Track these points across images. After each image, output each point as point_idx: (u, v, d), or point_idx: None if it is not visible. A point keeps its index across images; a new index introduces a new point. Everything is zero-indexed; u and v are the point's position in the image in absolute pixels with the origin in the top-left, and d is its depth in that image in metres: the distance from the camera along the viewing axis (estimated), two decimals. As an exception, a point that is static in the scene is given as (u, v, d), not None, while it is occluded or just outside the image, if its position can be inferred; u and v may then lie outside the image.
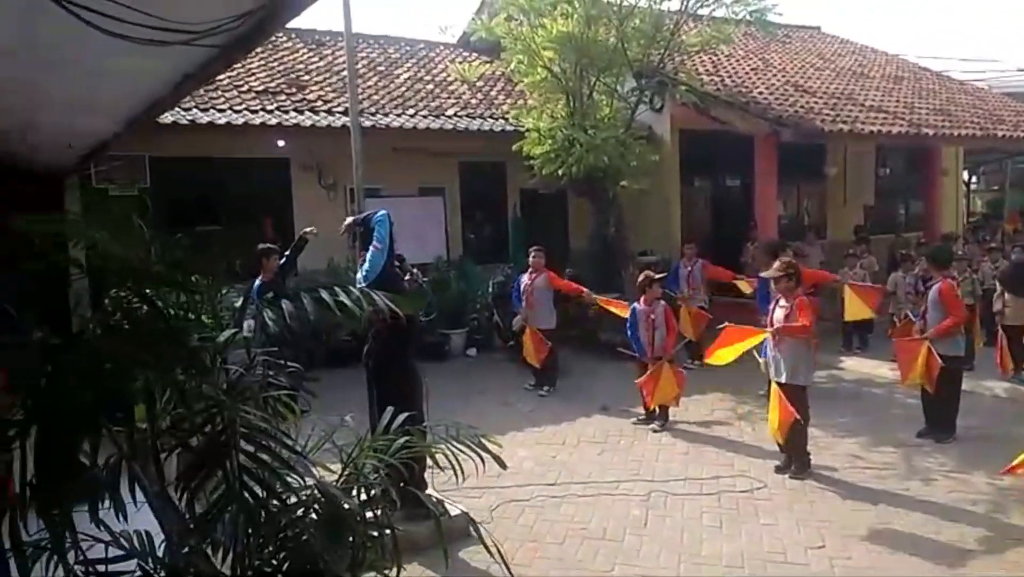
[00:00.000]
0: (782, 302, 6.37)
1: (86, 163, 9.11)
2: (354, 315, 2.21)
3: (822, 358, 9.14)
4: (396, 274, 5.45)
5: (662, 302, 7.91)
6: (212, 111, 10.42)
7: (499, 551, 2.23)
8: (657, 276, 8.12)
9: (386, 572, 2.22)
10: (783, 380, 6.20)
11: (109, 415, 1.75)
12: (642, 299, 7.85)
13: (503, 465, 2.45)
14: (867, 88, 14.57)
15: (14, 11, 2.54)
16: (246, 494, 1.70)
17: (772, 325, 6.35)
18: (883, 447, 6.94)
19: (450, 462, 2.33)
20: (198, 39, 2.27)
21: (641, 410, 7.89)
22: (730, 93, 12.17)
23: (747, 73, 13.80)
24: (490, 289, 11.48)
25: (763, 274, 7.09)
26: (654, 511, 5.68)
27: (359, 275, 5.45)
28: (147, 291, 1.76)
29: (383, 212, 5.25)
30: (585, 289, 9.00)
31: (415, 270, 6.22)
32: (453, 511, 5.19)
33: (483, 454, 2.40)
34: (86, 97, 4.37)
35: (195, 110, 10.20)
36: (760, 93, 12.47)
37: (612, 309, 8.53)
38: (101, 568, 1.96)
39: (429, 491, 4.69)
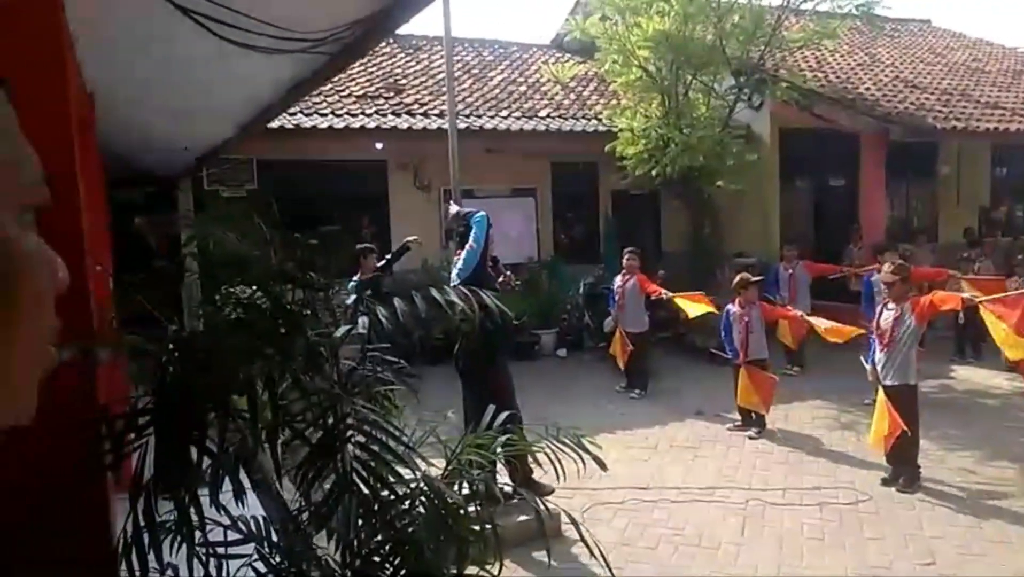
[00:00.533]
0: (891, 306, 6.10)
1: (199, 166, 9.65)
2: (450, 314, 2.26)
3: (933, 368, 8.69)
4: (489, 274, 5.53)
5: (757, 305, 7.71)
6: (315, 115, 10.81)
7: (601, 552, 2.23)
8: (754, 279, 7.92)
9: (487, 568, 2.25)
10: (893, 383, 5.93)
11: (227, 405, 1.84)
12: (737, 301, 7.67)
13: (603, 467, 2.44)
14: (983, 84, 13.77)
15: (145, 22, 2.71)
16: (360, 484, 1.76)
17: (879, 329, 6.09)
18: (998, 461, 6.54)
19: (551, 461, 2.34)
20: (315, 47, 2.37)
21: (737, 416, 7.71)
22: (835, 90, 11.74)
23: (853, 69, 13.28)
24: (581, 290, 11.45)
25: (874, 278, 6.82)
26: (751, 520, 5.54)
27: (452, 273, 5.55)
28: (270, 287, 1.84)
29: (482, 213, 5.33)
30: (661, 290, 8.81)
31: (508, 271, 6.28)
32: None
33: (583, 455, 2.40)
34: (203, 104, 4.63)
35: (300, 115, 10.59)
36: (867, 89, 11.98)
37: (686, 304, 8.27)
38: (220, 550, 2.06)
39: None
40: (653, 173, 10.73)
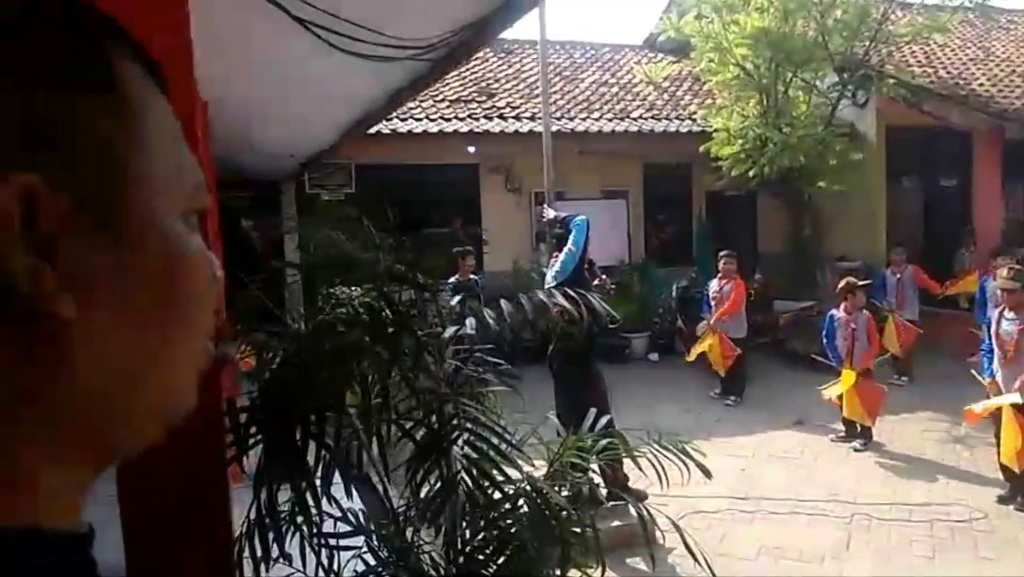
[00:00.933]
0: (1009, 314, 5.74)
1: (302, 171, 10.01)
2: (544, 315, 2.27)
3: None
4: (585, 278, 5.53)
5: (864, 311, 7.40)
6: (410, 120, 11.05)
7: (706, 560, 2.19)
8: (861, 283, 7.60)
9: (588, 571, 2.24)
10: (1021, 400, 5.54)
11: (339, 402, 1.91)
12: (842, 306, 7.39)
13: (708, 474, 2.39)
14: (1111, 76, 12.77)
15: (259, 34, 2.83)
16: (469, 482, 1.78)
17: (998, 339, 5.73)
18: None
19: (654, 467, 2.32)
20: (423, 54, 2.43)
21: (840, 426, 7.41)
22: (945, 85, 11.15)
23: (965, 64, 12.57)
24: (673, 293, 11.27)
25: (992, 284, 6.43)
26: (857, 534, 5.32)
27: (548, 275, 5.58)
28: (381, 287, 1.90)
29: (582, 217, 5.37)
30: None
31: (603, 275, 6.26)
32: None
33: (686, 462, 2.36)
34: (310, 112, 4.80)
35: (396, 120, 10.85)
36: (980, 85, 11.32)
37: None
38: (332, 541, 2.13)
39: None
40: (750, 174, 10.46)
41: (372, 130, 10.15)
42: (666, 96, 13.38)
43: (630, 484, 4.83)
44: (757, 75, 10.74)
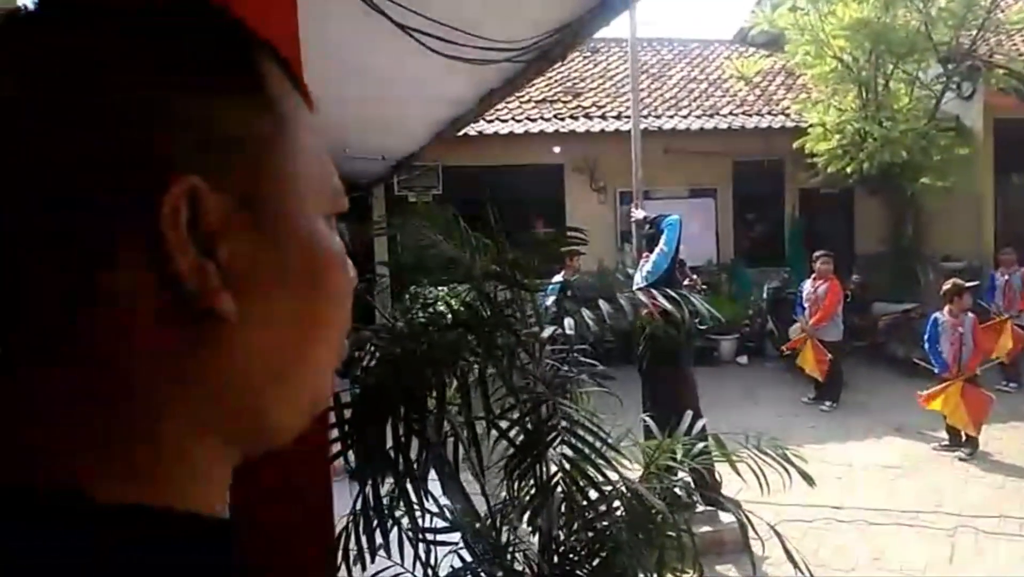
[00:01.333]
0: None
1: (392, 173, 10.22)
2: (640, 316, 2.25)
3: None
4: (677, 279, 5.45)
5: (970, 314, 7.02)
6: (496, 122, 11.14)
7: (808, 570, 2.13)
8: (967, 284, 7.22)
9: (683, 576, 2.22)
10: None
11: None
12: (947, 309, 7.03)
13: (811, 482, 2.32)
14: None
15: (359, 40, 2.91)
16: (566, 483, 1.79)
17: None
18: None
19: (754, 473, 2.27)
20: (518, 56, 2.45)
21: (944, 434, 7.06)
22: (1061, 75, 10.46)
23: (1084, 50, 11.75)
24: (764, 294, 10.96)
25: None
26: (961, 548, 5.05)
27: (638, 276, 5.53)
28: (480, 286, 1.92)
29: (675, 217, 5.31)
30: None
31: (694, 276, 6.16)
32: (730, 521, 5.04)
33: (788, 469, 2.30)
34: (404, 114, 4.90)
35: (482, 121, 10.95)
36: (1101, 73, 10.56)
37: None
38: (429, 536, 2.17)
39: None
40: (847, 170, 10.07)
41: (460, 132, 10.35)
42: (758, 91, 13.03)
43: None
44: (856, 67, 10.34)
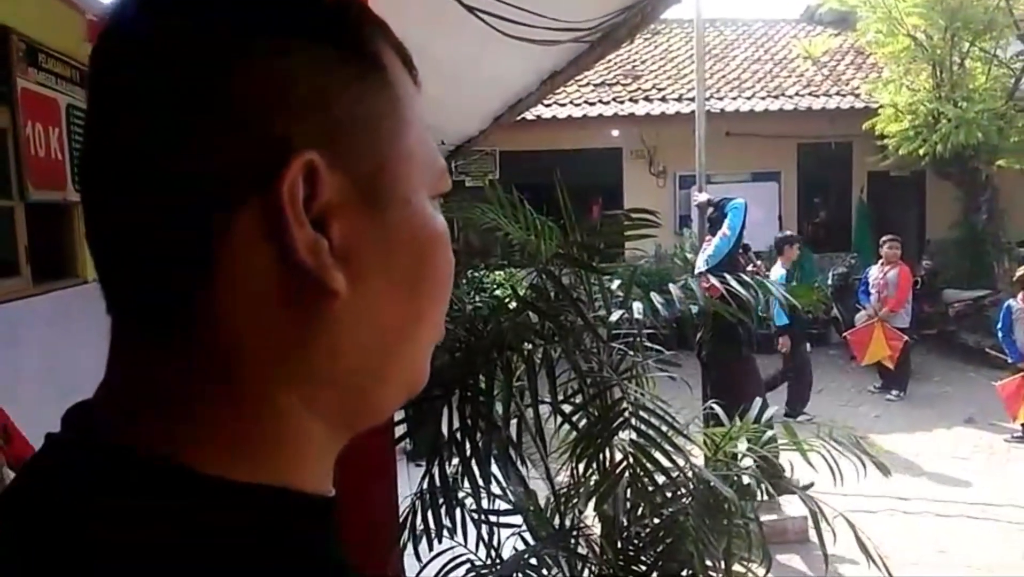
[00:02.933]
0: None
1: (450, 159, 10.27)
2: (703, 301, 2.20)
3: None
4: (740, 264, 5.36)
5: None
6: (554, 105, 11.07)
7: (881, 561, 2.07)
8: (1043, 271, 6.91)
9: (752, 566, 2.18)
10: None
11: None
12: (1021, 297, 6.75)
13: (886, 472, 2.26)
14: None
15: (425, 24, 2.91)
16: (633, 468, 1.77)
17: None
18: None
19: (826, 462, 2.22)
20: (585, 36, 2.42)
21: (1017, 426, 6.79)
22: None
23: None
24: (829, 281, 10.67)
25: None
26: (1037, 546, 4.86)
27: (699, 260, 5.44)
28: (547, 268, 1.91)
29: (740, 201, 5.23)
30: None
31: (759, 261, 6.04)
32: (792, 511, 4.96)
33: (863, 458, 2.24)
34: (466, 99, 4.90)
35: (540, 105, 10.90)
36: None
37: None
38: (492, 518, 2.18)
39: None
40: (919, 152, 9.70)
41: (519, 116, 10.33)
42: (825, 71, 12.64)
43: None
44: (930, 45, 9.91)
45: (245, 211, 0.39)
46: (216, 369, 0.41)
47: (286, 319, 0.41)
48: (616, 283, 2.18)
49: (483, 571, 2.13)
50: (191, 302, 0.40)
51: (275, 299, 0.40)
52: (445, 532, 2.07)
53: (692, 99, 8.57)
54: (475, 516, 2.12)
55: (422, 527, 2.05)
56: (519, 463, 2.15)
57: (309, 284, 0.40)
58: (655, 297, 1.88)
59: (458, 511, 2.09)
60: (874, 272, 8.53)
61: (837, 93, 11.78)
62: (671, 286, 1.89)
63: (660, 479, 1.78)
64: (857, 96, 11.34)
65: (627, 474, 1.82)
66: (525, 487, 2.37)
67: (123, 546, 0.37)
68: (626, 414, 1.78)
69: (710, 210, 5.60)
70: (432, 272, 0.47)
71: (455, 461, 1.97)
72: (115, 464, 0.39)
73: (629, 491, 1.94)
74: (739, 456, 2.43)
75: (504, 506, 2.26)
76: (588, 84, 11.89)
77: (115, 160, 0.41)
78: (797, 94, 11.76)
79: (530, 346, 1.92)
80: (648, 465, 1.73)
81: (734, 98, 11.64)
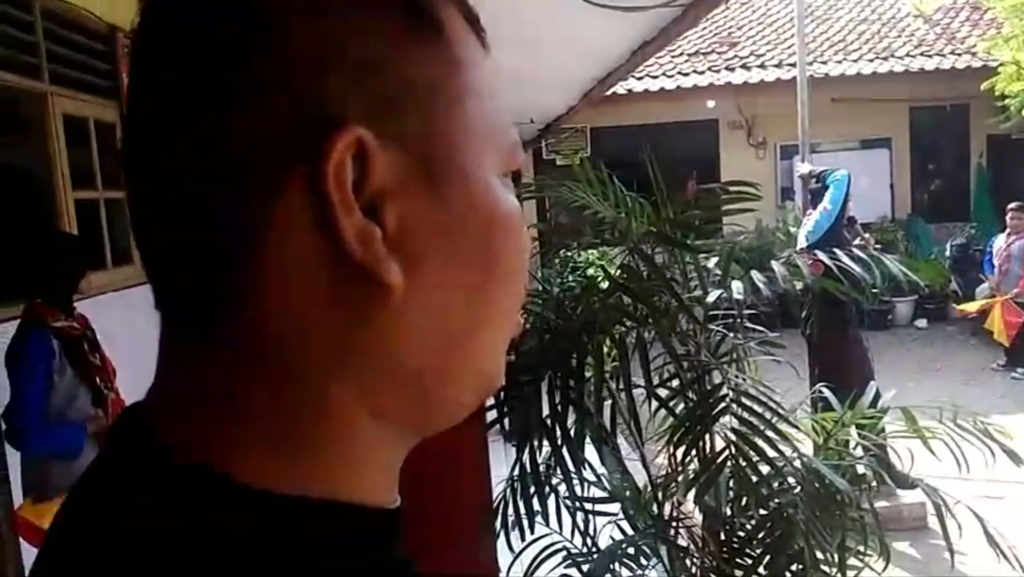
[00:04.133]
0: None
1: (540, 137, 10.20)
2: (810, 278, 2.06)
3: None
4: (844, 237, 5.11)
5: None
6: (646, 78, 10.79)
7: (1012, 553, 1.89)
8: None
9: (868, 560, 2.04)
10: None
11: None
12: None
13: (1018, 460, 2.06)
14: None
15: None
16: (736, 457, 1.67)
17: None
18: None
19: (950, 449, 2.04)
20: (676, 1, 2.29)
21: None
22: None
23: None
24: (947, 252, 10.02)
25: None
26: None
27: (801, 234, 5.22)
28: (639, 247, 1.82)
29: (843, 173, 5.00)
30: None
31: (867, 235, 5.73)
32: (908, 497, 4.68)
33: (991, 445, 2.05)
34: (553, 74, 4.80)
35: (631, 78, 10.64)
36: None
37: None
38: (588, 506, 2.12)
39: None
40: (1046, 112, 8.95)
41: (610, 90, 10.14)
42: (938, 29, 11.80)
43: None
44: (1058, -5, 9.10)
45: (288, 196, 0.35)
46: (262, 369, 0.37)
47: (337, 315, 0.37)
48: (713, 261, 2.07)
49: (579, 559, 2.08)
50: (232, 297, 0.36)
51: (325, 293, 0.36)
52: (539, 519, 2.02)
53: (793, 64, 8.20)
54: (569, 504, 2.05)
55: (515, 515, 2.00)
56: (614, 450, 2.08)
57: (362, 276, 0.36)
58: (755, 275, 1.76)
59: (552, 498, 2.04)
60: (998, 242, 7.96)
61: (951, 52, 11.00)
62: (773, 263, 1.76)
63: (765, 469, 1.67)
64: (974, 54, 10.56)
65: (729, 463, 1.71)
66: (624, 472, 2.29)
67: (143, 565, 0.34)
68: (726, 400, 1.67)
69: (812, 182, 5.35)
70: (501, 257, 0.41)
71: (547, 447, 1.92)
72: (148, 471, 0.37)
73: (732, 481, 1.83)
74: (851, 444, 2.29)
75: (600, 493, 2.20)
76: (682, 54, 11.54)
77: (144, 140, 0.38)
78: (908, 55, 11.04)
79: (623, 329, 1.83)
80: (751, 454, 1.62)
81: (839, 61, 11.04)
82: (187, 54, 0.36)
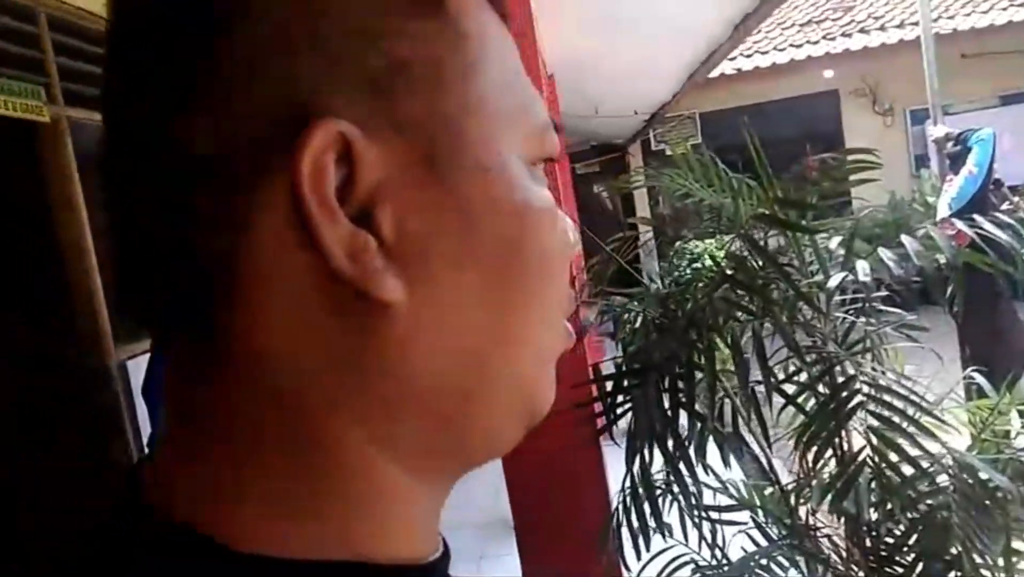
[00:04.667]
0: None
1: (646, 128, 9.98)
2: (950, 251, 1.84)
3: None
4: (991, 203, 4.68)
5: None
6: (756, 55, 10.36)
7: None
8: None
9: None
10: None
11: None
12: None
13: None
14: None
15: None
16: (874, 458, 1.50)
17: None
18: None
19: None
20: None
21: None
22: None
23: None
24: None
25: None
26: None
27: (942, 202, 4.85)
28: (746, 234, 1.68)
29: (988, 131, 4.65)
30: None
31: (1016, 199, 5.25)
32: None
33: None
34: (650, 60, 4.64)
35: (739, 57, 10.25)
36: None
37: None
38: (714, 515, 1.98)
39: None
40: None
41: (715, 73, 9.78)
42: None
43: None
44: None
45: (267, 207, 0.30)
46: (254, 406, 0.32)
47: (334, 340, 0.31)
48: (835, 241, 1.88)
49: (708, 573, 1.95)
50: (212, 329, 0.31)
51: (317, 317, 0.31)
52: (661, 532, 1.91)
53: (916, 23, 7.63)
54: (693, 512, 1.93)
55: (638, 526, 1.90)
56: (738, 454, 1.94)
57: (358, 294, 0.31)
58: (884, 252, 1.57)
59: (674, 507, 1.92)
60: None
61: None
62: (904, 238, 1.57)
63: (908, 470, 1.49)
64: None
65: (868, 465, 1.54)
66: (762, 477, 2.14)
67: None
68: (860, 395, 1.50)
69: (949, 145, 4.97)
70: (530, 261, 0.35)
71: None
72: (133, 532, 0.33)
73: (873, 483, 1.65)
74: (1012, 434, 2.03)
75: (727, 501, 2.06)
76: (792, 25, 11.03)
77: (109, 136, 0.34)
78: (1048, -4, 10.05)
79: (735, 323, 1.69)
80: (890, 455, 1.45)
81: (967, 14, 10.20)
82: (149, 43, 0.32)
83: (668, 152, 10.67)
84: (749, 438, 1.88)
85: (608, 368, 2.06)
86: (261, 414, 0.32)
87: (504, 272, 0.34)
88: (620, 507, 1.78)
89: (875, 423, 1.49)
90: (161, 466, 0.34)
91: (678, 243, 3.01)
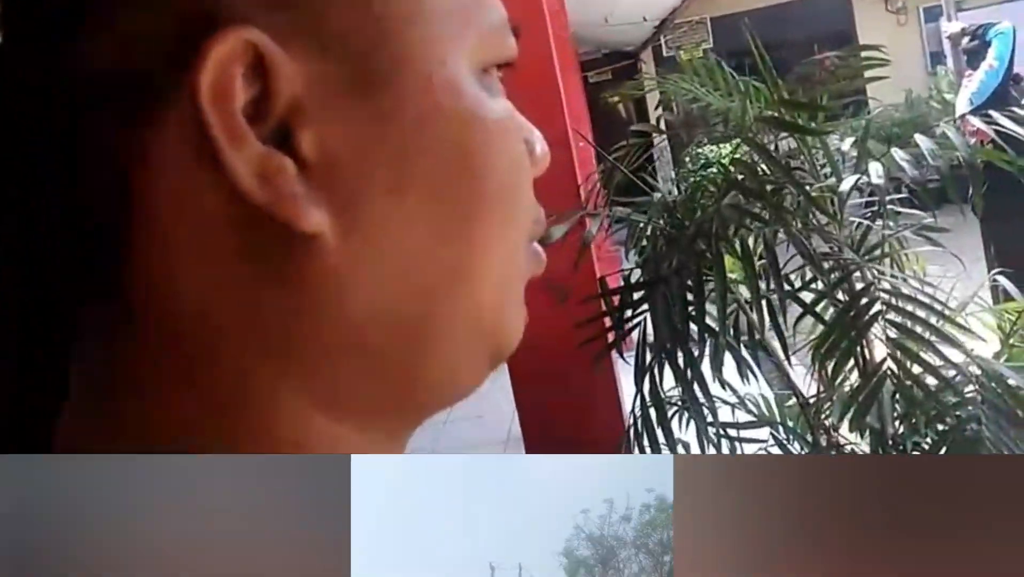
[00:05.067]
0: None
1: (657, 35, 9.72)
2: (966, 149, 1.75)
3: None
4: (1013, 97, 4.63)
5: None
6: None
7: None
8: None
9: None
10: None
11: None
12: None
13: None
14: None
15: None
16: (895, 369, 1.44)
17: None
18: None
19: None
20: None
21: None
22: None
23: None
24: None
25: None
26: None
27: (960, 98, 4.76)
28: (753, 138, 1.59)
29: (1008, 26, 4.63)
30: None
31: (1035, 90, 5.13)
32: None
33: None
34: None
35: (749, -45, 9.89)
36: None
37: None
38: (732, 432, 1.94)
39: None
40: None
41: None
42: None
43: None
44: None
45: (167, 126, 0.27)
46: (162, 352, 0.28)
47: (251, 287, 0.28)
48: (848, 142, 1.79)
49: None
50: (114, 266, 0.28)
51: (231, 261, 0.28)
52: (680, 449, 1.88)
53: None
54: (708, 430, 1.89)
55: (650, 445, 1.87)
56: (759, 366, 1.89)
57: (278, 231, 0.27)
58: (897, 153, 1.49)
59: (691, 425, 1.88)
60: None
61: None
62: (918, 137, 1.49)
63: (932, 381, 1.43)
64: None
65: (889, 377, 1.48)
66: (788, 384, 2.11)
67: None
68: (877, 304, 1.43)
69: (965, 40, 4.90)
70: (480, 178, 0.31)
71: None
72: None
73: (897, 395, 1.60)
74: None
75: (745, 418, 2.02)
76: (803, -77, 10.55)
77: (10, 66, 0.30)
78: None
79: (744, 231, 1.62)
80: (911, 367, 1.39)
81: None
82: None
83: (679, 58, 10.47)
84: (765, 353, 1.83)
85: (619, 281, 2.01)
86: (172, 360, 0.28)
87: (452, 195, 0.30)
88: (632, 428, 1.74)
89: (895, 334, 1.42)
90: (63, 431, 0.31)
91: (694, 149, 2.93)
